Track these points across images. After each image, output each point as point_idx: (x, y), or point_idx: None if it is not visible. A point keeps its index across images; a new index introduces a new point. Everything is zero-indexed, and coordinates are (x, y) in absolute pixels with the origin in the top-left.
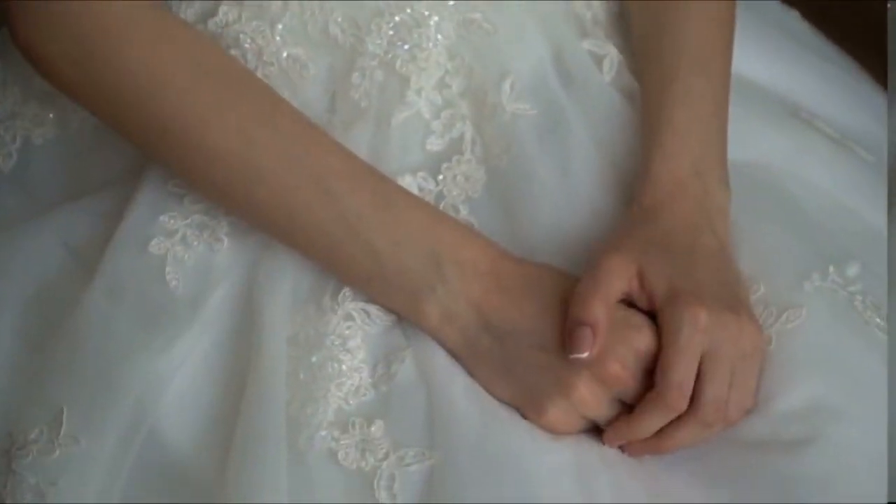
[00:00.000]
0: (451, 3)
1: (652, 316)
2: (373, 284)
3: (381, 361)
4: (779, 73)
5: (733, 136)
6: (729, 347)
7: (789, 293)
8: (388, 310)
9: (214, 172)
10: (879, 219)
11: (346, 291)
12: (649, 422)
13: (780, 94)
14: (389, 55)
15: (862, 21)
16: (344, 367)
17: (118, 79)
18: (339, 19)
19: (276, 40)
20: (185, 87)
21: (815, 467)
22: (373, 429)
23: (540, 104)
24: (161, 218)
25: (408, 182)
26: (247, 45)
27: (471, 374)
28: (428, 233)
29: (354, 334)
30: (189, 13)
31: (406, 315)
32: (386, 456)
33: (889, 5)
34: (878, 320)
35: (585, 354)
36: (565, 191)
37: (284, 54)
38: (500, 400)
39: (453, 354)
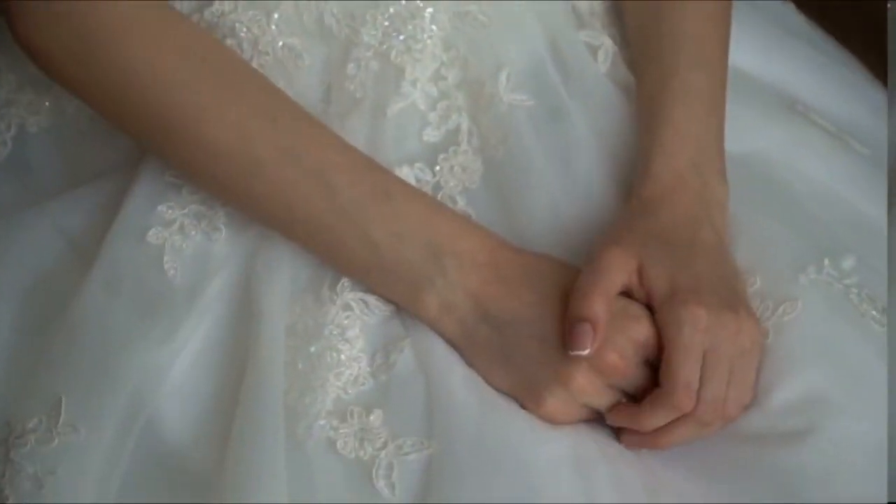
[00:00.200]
0: None
1: (649, 309)
2: (372, 276)
3: (380, 351)
4: (775, 66)
5: (730, 128)
6: (728, 346)
7: (785, 286)
8: (387, 300)
9: (215, 166)
10: (875, 211)
11: (345, 281)
12: (654, 419)
13: (776, 86)
14: (384, 46)
15: (862, 20)
16: (342, 356)
17: (122, 77)
18: (335, 10)
19: (272, 30)
20: (188, 83)
21: (812, 460)
22: (371, 418)
23: (537, 95)
24: (159, 208)
25: (405, 173)
26: (242, 35)
27: (469, 364)
28: (426, 224)
29: (353, 324)
30: (185, 3)
31: (405, 306)
32: (384, 445)
33: (889, 5)
34: (874, 312)
35: (586, 351)
36: (563, 181)
37: (280, 44)
38: (499, 390)
39: (452, 345)
